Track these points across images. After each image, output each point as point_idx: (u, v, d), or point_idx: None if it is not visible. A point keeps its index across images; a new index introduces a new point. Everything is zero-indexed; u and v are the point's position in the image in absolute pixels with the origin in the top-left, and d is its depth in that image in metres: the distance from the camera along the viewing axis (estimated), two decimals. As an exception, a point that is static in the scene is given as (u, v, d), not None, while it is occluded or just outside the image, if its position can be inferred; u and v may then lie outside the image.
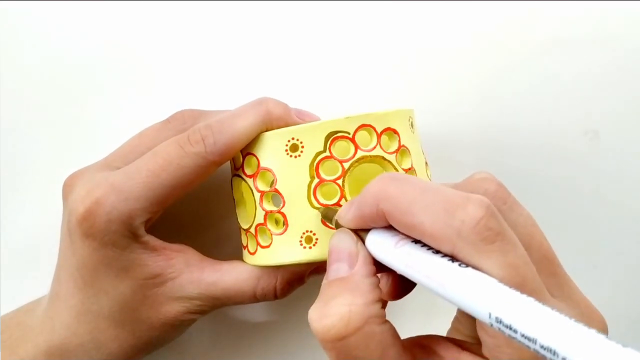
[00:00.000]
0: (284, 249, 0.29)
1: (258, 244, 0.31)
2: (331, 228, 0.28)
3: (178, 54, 0.37)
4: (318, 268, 0.33)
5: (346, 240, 0.24)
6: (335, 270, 0.24)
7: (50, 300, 0.32)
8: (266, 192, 0.30)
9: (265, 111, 0.30)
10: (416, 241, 0.23)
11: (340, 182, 0.28)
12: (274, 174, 0.29)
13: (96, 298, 0.30)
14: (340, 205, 0.29)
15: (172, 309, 0.31)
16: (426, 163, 0.33)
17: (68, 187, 0.31)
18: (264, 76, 0.38)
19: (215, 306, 0.32)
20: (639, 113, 0.39)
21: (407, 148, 0.30)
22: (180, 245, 0.32)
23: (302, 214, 0.29)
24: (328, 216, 0.28)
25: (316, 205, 0.29)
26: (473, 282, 0.20)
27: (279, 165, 0.29)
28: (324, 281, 0.24)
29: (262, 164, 0.30)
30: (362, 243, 0.24)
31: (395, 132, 0.30)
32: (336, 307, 0.22)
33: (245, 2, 0.37)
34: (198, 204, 0.37)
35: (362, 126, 0.29)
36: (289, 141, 0.29)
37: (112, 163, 0.32)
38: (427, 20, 0.38)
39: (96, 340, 0.31)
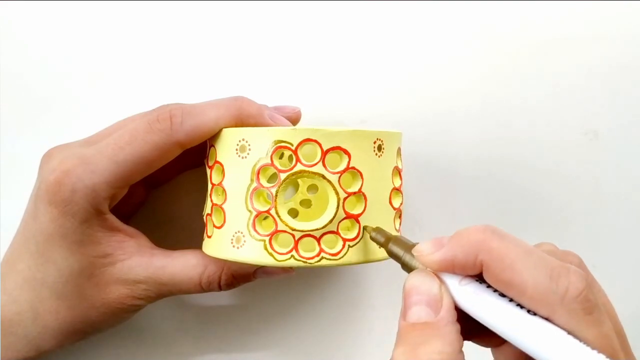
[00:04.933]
0: (218, 243, 0.30)
1: (206, 232, 0.32)
2: (379, 243, 0.28)
3: (173, 55, 0.38)
4: (267, 270, 0.33)
5: (428, 282, 0.24)
6: (416, 313, 0.23)
7: (0, 265, 0.32)
8: (216, 185, 0.31)
9: (238, 107, 0.31)
10: (479, 279, 0.24)
11: (274, 190, 0.28)
12: (224, 170, 0.30)
13: (44, 266, 0.31)
14: (270, 214, 0.29)
15: (117, 291, 0.32)
16: (397, 190, 0.31)
17: (45, 158, 0.32)
18: (265, 78, 0.39)
19: (161, 293, 0.32)
20: (638, 113, 0.39)
21: (358, 171, 0.29)
22: (135, 230, 0.33)
23: (238, 214, 0.29)
24: (379, 238, 0.28)
25: (250, 208, 0.29)
26: (548, 335, 0.21)
27: (229, 163, 0.30)
28: (402, 322, 0.24)
29: (218, 157, 0.31)
30: (445, 287, 0.24)
31: (345, 152, 0.28)
32: (427, 355, 0.22)
33: (241, 2, 0.38)
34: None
35: (307, 140, 0.28)
36: (239, 141, 0.29)
37: (91, 140, 0.32)
38: (428, 20, 0.39)
39: (34, 310, 0.31)
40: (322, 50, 0.38)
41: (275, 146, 0.28)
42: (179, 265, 0.32)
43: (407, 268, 0.26)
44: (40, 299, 0.31)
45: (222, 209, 0.30)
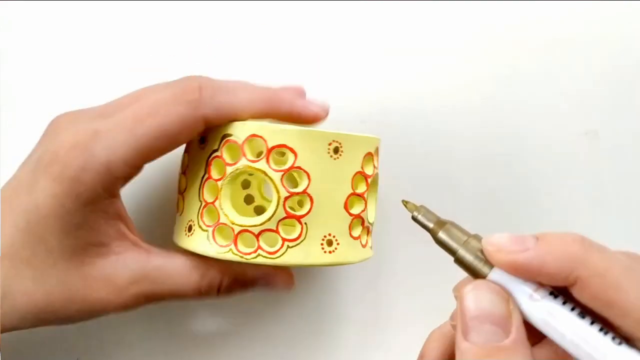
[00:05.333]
0: (177, 229, 0.31)
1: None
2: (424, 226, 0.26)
3: (174, 56, 0.38)
4: (267, 283, 0.31)
5: (495, 297, 0.22)
6: (483, 334, 0.21)
7: None
8: (181, 173, 0.32)
9: (270, 97, 0.30)
10: (553, 293, 0.22)
11: (220, 183, 0.29)
12: (188, 159, 0.31)
13: (32, 245, 0.27)
14: (214, 206, 0.29)
15: (102, 290, 0.28)
16: (358, 196, 0.30)
17: (53, 127, 0.29)
18: (266, 79, 0.38)
19: (151, 296, 0.29)
20: (639, 113, 0.39)
21: (304, 171, 0.28)
22: (134, 228, 0.31)
23: (192, 203, 0.30)
24: (425, 222, 0.26)
25: (200, 198, 0.30)
26: None
27: (192, 153, 0.31)
28: (465, 344, 0.21)
29: (187, 147, 0.32)
30: (514, 300, 0.22)
31: (291, 150, 0.28)
32: None
33: (242, 3, 0.38)
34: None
35: (253, 136, 0.28)
36: (199, 134, 0.30)
37: (106, 112, 0.29)
38: (428, 20, 0.38)
39: (7, 287, 0.27)
40: (323, 50, 0.38)
41: (225, 139, 0.29)
42: (178, 264, 0.30)
43: (463, 264, 0.23)
44: (20, 277, 0.27)
45: (182, 196, 0.31)
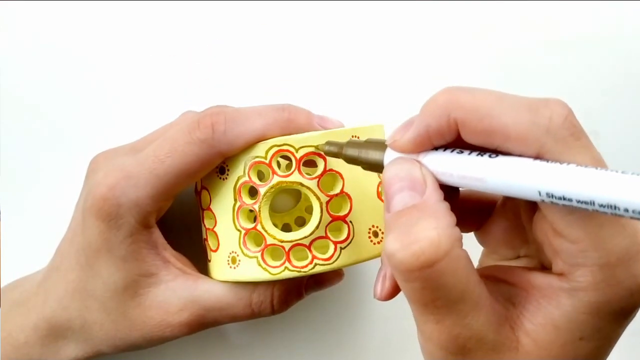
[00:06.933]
0: (217, 266, 0.31)
1: (208, 257, 0.32)
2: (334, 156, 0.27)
3: (177, 58, 0.38)
4: (317, 282, 0.32)
5: (407, 166, 0.23)
6: (401, 201, 0.22)
7: (47, 272, 0.32)
8: (205, 210, 0.31)
9: (286, 119, 0.29)
10: (437, 148, 0.23)
11: (256, 206, 0.28)
12: (210, 194, 0.30)
13: (93, 279, 0.30)
14: (257, 230, 0.29)
15: (158, 317, 0.31)
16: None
17: (93, 166, 0.32)
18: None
19: (205, 322, 0.31)
20: (639, 113, 0.39)
21: (337, 172, 0.29)
22: (179, 254, 0.32)
23: (229, 235, 0.30)
24: (331, 150, 0.27)
25: (238, 227, 0.29)
26: (512, 168, 0.20)
27: (212, 186, 0.30)
28: (387, 214, 0.22)
29: (203, 183, 0.31)
30: (425, 167, 0.23)
31: (319, 155, 0.28)
32: (423, 232, 0.20)
33: (245, 4, 0.38)
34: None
35: (280, 151, 0.28)
36: (217, 166, 0.30)
37: (137, 147, 0.32)
38: (427, 21, 0.38)
39: (82, 319, 0.31)
40: (322, 51, 0.38)
41: (250, 162, 0.29)
42: (225, 286, 0.31)
43: (374, 167, 0.25)
44: (89, 309, 0.31)
45: (214, 232, 0.30)
